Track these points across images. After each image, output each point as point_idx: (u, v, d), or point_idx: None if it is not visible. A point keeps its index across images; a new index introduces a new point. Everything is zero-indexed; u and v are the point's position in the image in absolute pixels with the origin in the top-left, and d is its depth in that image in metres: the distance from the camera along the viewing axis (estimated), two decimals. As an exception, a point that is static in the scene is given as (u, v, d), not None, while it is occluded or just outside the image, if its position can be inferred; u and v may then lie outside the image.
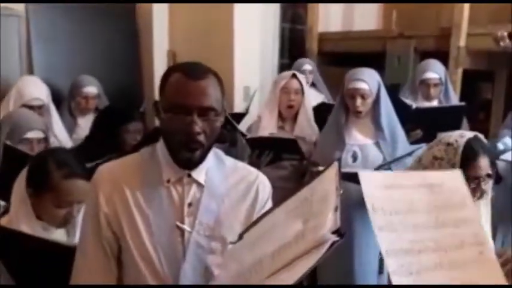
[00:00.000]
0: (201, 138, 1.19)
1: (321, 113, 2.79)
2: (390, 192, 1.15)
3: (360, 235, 2.41)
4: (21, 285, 1.04)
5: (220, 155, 1.33)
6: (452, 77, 3.54)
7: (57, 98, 3.08)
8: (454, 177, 1.26)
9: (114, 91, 3.46)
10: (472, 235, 1.17)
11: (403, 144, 2.48)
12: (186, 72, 1.19)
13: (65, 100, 3.10)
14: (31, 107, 2.62)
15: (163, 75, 1.25)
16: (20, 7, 3.19)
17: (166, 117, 1.19)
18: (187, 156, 1.20)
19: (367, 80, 2.42)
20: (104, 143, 2.27)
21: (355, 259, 2.47)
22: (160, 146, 1.27)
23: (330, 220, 0.92)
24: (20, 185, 1.53)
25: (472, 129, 2.48)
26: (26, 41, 3.32)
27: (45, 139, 2.25)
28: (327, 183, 1.00)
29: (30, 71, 3.36)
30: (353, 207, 2.28)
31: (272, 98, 2.74)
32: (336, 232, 0.90)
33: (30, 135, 2.18)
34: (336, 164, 1.04)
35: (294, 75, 2.71)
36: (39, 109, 2.67)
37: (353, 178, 1.76)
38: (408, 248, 1.08)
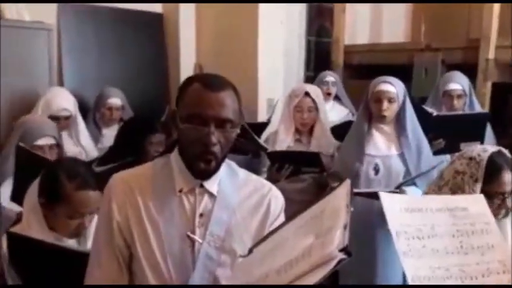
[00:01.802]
0: (217, 149, 1.19)
1: (347, 129, 2.75)
2: (412, 216, 1.13)
3: (382, 249, 2.38)
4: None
5: (233, 167, 1.33)
6: (481, 90, 3.47)
7: (86, 109, 3.18)
8: (478, 202, 1.23)
9: (142, 103, 3.54)
10: (499, 262, 1.13)
11: (427, 156, 2.44)
12: (205, 83, 1.20)
13: (91, 111, 3.18)
14: (58, 118, 2.70)
15: (181, 85, 1.26)
16: (50, 20, 3.30)
17: (184, 127, 1.20)
18: (202, 167, 1.20)
19: (395, 84, 2.40)
20: (127, 153, 2.31)
21: (378, 273, 2.43)
22: (174, 155, 1.27)
23: (338, 238, 0.91)
24: (32, 195, 1.55)
25: (501, 144, 2.42)
26: (57, 53, 3.42)
27: (58, 145, 2.29)
28: (338, 200, 0.99)
29: (60, 83, 3.45)
30: (375, 221, 2.28)
31: (286, 114, 2.74)
32: (344, 250, 0.89)
33: (42, 142, 2.23)
34: (348, 181, 1.03)
35: (306, 93, 2.67)
36: (66, 120, 2.76)
37: (374, 196, 1.74)
38: (433, 276, 1.06)
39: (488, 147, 1.73)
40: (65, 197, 1.49)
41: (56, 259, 1.36)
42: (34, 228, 1.50)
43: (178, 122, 1.21)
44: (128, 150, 2.37)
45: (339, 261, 0.87)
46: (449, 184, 1.70)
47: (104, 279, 1.23)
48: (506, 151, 1.73)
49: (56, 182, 1.50)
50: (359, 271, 2.38)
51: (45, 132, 2.28)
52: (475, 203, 1.22)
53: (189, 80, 1.25)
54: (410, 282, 1.04)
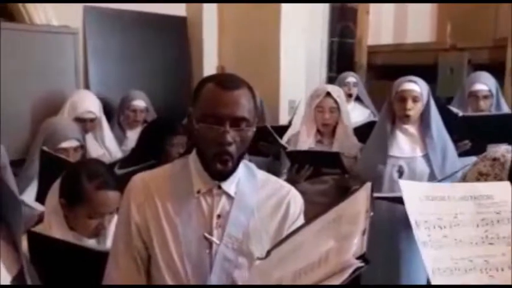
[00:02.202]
0: (232, 148, 1.19)
1: (370, 130, 2.71)
2: (433, 204, 1.08)
3: (407, 259, 2.34)
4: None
5: (251, 168, 1.32)
6: (508, 90, 3.39)
7: (111, 112, 3.22)
8: (503, 189, 1.16)
9: (165, 105, 3.57)
10: None
11: (452, 158, 2.39)
12: (219, 83, 1.20)
13: (115, 113, 3.22)
14: (84, 120, 2.74)
15: (197, 85, 1.26)
16: (75, 24, 3.37)
17: (199, 127, 1.20)
18: (219, 168, 1.20)
19: (419, 83, 2.37)
20: (149, 155, 2.33)
21: (402, 278, 2.39)
22: (192, 157, 1.27)
23: (356, 244, 0.87)
24: (53, 196, 1.57)
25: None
26: (82, 57, 3.49)
27: (82, 147, 2.33)
28: (358, 204, 0.96)
29: (86, 86, 3.52)
30: (399, 226, 2.24)
31: (308, 115, 2.70)
32: (361, 258, 0.85)
33: (65, 144, 2.26)
34: (368, 185, 0.99)
35: (328, 94, 2.63)
36: (91, 122, 2.80)
37: (397, 200, 1.70)
38: (455, 267, 1.01)
39: None
40: (85, 197, 1.51)
41: (75, 258, 1.38)
42: (54, 228, 1.52)
43: (194, 122, 1.21)
44: (150, 152, 2.40)
45: (356, 269, 0.84)
46: None
47: (121, 280, 1.24)
48: None
49: (76, 182, 1.53)
50: (382, 279, 2.34)
51: (69, 135, 2.33)
52: (501, 190, 1.15)
53: (204, 81, 1.25)
54: (430, 274, 0.99)
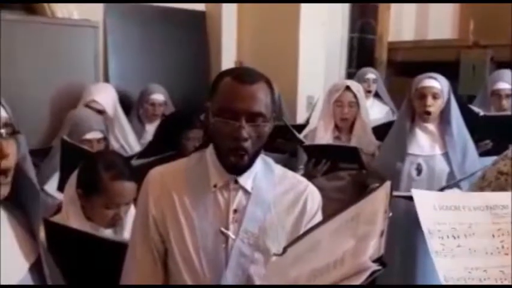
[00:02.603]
0: (248, 144, 1.17)
1: (389, 130, 2.67)
2: (447, 214, 1.05)
3: (423, 260, 2.30)
4: (71, 283, 1.10)
5: (269, 162, 1.31)
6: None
7: (130, 105, 3.25)
8: None
9: (184, 100, 3.58)
10: None
11: (473, 157, 2.35)
12: (236, 77, 1.19)
13: (134, 107, 3.25)
14: (92, 109, 2.75)
15: (214, 79, 1.25)
16: (96, 18, 3.41)
17: (215, 121, 1.19)
18: (234, 162, 1.19)
19: (439, 79, 2.33)
20: (166, 148, 2.34)
21: (418, 278, 2.36)
22: (209, 151, 1.27)
23: (373, 246, 0.84)
24: (70, 187, 1.60)
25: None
26: (102, 51, 3.52)
27: (105, 139, 2.36)
28: (376, 204, 0.92)
29: (106, 79, 3.55)
30: (415, 223, 2.20)
31: (326, 109, 2.67)
32: (378, 260, 0.81)
33: (90, 136, 2.31)
34: (388, 184, 0.95)
35: (347, 88, 2.60)
36: (100, 113, 2.80)
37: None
38: (468, 276, 0.98)
39: None
40: (101, 187, 1.53)
41: (90, 248, 1.39)
42: (72, 218, 1.54)
43: (210, 116, 1.20)
44: (167, 145, 2.41)
45: (372, 273, 0.81)
46: (492, 185, 1.63)
47: (138, 273, 1.25)
48: None
49: (93, 172, 1.54)
50: (398, 279, 2.31)
51: (94, 126, 2.37)
52: None
53: (221, 75, 1.24)
54: (442, 281, 0.96)
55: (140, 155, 2.38)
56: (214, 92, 1.22)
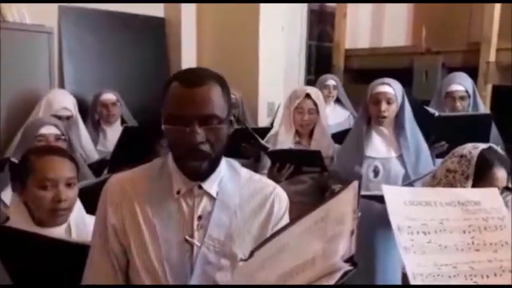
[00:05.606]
0: (206, 147, 1.13)
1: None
2: (417, 210, 1.05)
3: (383, 256, 2.34)
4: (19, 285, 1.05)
5: (235, 166, 1.27)
6: (481, 93, 3.44)
7: (86, 112, 3.17)
8: (491, 196, 1.14)
9: (143, 106, 3.52)
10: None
11: (426, 158, 2.42)
12: (183, 81, 1.13)
13: (89, 114, 3.16)
14: (60, 118, 2.67)
15: (164, 84, 1.18)
16: (50, 23, 3.31)
17: (166, 129, 1.14)
18: (194, 165, 1.14)
19: (393, 85, 2.40)
20: (130, 157, 2.28)
21: (377, 280, 2.40)
22: (171, 156, 1.22)
23: (344, 246, 0.82)
24: (11, 193, 1.56)
25: (507, 148, 2.39)
26: (57, 56, 3.43)
27: (65, 140, 2.22)
28: (344, 204, 0.90)
29: (61, 85, 3.46)
30: (376, 226, 2.25)
31: (287, 116, 2.71)
32: (350, 261, 0.80)
33: (45, 130, 2.17)
34: (355, 184, 0.93)
35: (307, 95, 2.65)
36: (67, 120, 2.75)
37: (377, 199, 1.68)
38: (438, 273, 0.97)
39: (479, 144, 1.69)
40: (30, 166, 1.49)
41: (40, 248, 1.33)
42: (20, 224, 1.47)
43: (162, 124, 1.15)
44: (131, 154, 2.34)
45: (345, 273, 0.79)
46: (442, 183, 1.67)
47: (93, 278, 1.20)
48: (497, 147, 1.70)
49: (22, 159, 1.52)
50: (357, 279, 2.33)
51: (48, 120, 2.26)
52: (489, 196, 1.13)
53: (170, 79, 1.17)
54: (411, 279, 0.96)
55: (110, 164, 2.30)
56: (164, 99, 1.16)
